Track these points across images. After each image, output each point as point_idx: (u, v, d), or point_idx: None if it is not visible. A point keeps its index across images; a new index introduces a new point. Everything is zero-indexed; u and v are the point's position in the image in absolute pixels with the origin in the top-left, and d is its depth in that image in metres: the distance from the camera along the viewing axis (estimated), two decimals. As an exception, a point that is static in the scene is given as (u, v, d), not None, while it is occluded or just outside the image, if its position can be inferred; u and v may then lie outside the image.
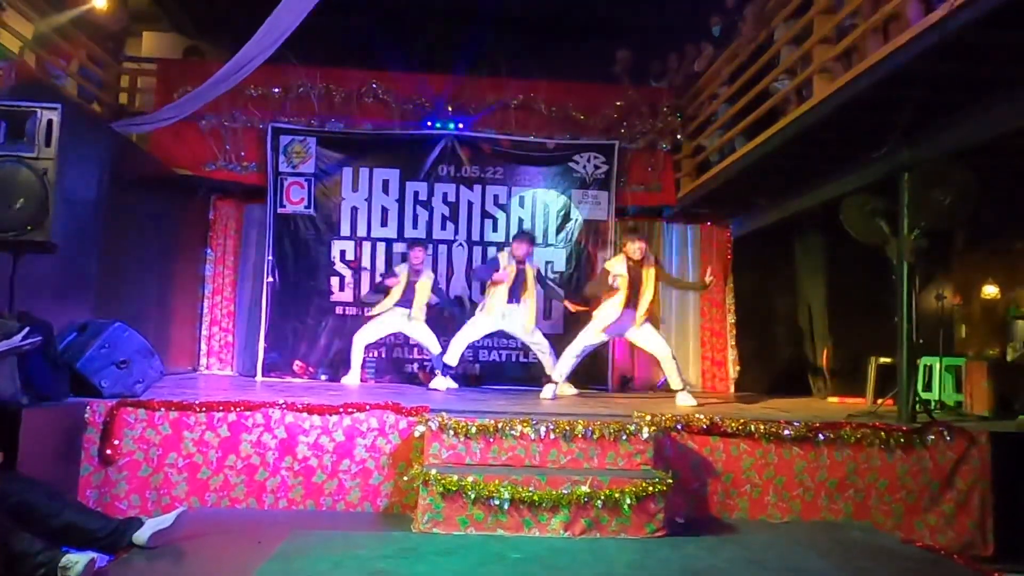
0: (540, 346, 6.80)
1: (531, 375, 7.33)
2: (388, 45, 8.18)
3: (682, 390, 6.12)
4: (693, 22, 8.23)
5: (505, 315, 6.70)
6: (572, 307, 6.83)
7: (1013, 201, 6.35)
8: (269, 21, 5.68)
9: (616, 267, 6.20)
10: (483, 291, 6.97)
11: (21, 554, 2.84)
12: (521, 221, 7.94)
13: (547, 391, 6.21)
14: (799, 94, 5.80)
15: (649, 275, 6.21)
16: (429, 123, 7.94)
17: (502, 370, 7.72)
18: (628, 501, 3.78)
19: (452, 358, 6.77)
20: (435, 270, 7.45)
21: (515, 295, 6.68)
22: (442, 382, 6.79)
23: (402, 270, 7.03)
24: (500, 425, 4.12)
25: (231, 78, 6.32)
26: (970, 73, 4.45)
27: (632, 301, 6.13)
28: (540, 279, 6.98)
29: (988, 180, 5.10)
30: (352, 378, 6.95)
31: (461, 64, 8.04)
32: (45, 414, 3.80)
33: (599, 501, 3.78)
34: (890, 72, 4.55)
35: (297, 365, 7.57)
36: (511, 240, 7.02)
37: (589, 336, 6.27)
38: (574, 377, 6.74)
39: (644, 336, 6.30)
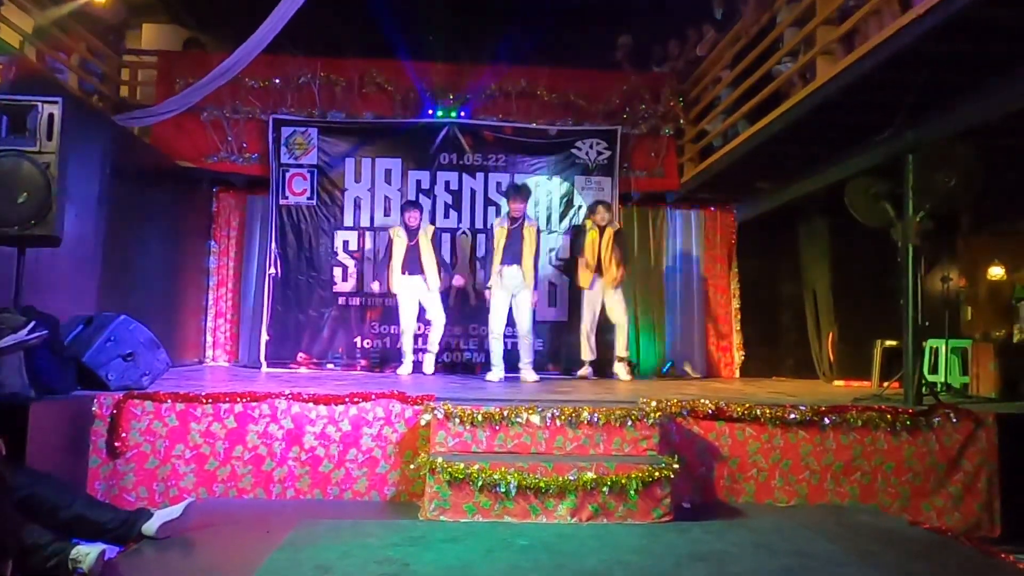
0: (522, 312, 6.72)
1: (538, 362, 7.32)
2: (388, 34, 8.15)
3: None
4: (695, 6, 8.17)
5: (503, 275, 6.65)
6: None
7: (1019, 182, 6.30)
8: (273, 14, 5.70)
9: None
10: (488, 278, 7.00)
11: (32, 547, 2.85)
12: (525, 212, 7.90)
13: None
14: (802, 77, 5.76)
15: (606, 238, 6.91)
16: (431, 111, 7.93)
17: (509, 358, 7.72)
18: (634, 487, 3.78)
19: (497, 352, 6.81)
20: (438, 261, 7.39)
21: (513, 255, 6.62)
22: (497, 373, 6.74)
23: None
24: (506, 412, 4.12)
25: (232, 70, 6.33)
26: (975, 53, 4.42)
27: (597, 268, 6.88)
28: (539, 243, 6.86)
29: (994, 161, 5.07)
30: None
31: (462, 52, 8.01)
32: (52, 407, 3.81)
33: (605, 487, 3.78)
34: (894, 53, 4.51)
35: (301, 356, 7.58)
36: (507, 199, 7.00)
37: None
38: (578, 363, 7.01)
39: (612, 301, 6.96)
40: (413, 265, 6.84)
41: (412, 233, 6.90)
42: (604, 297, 6.99)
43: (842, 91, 5.13)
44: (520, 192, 6.82)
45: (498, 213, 7.79)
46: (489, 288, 6.75)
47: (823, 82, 5.26)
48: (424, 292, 6.90)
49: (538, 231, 6.87)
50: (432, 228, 7.16)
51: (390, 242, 7.01)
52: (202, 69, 6.85)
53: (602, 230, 6.99)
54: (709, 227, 8.44)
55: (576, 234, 7.64)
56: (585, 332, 7.11)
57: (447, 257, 7.75)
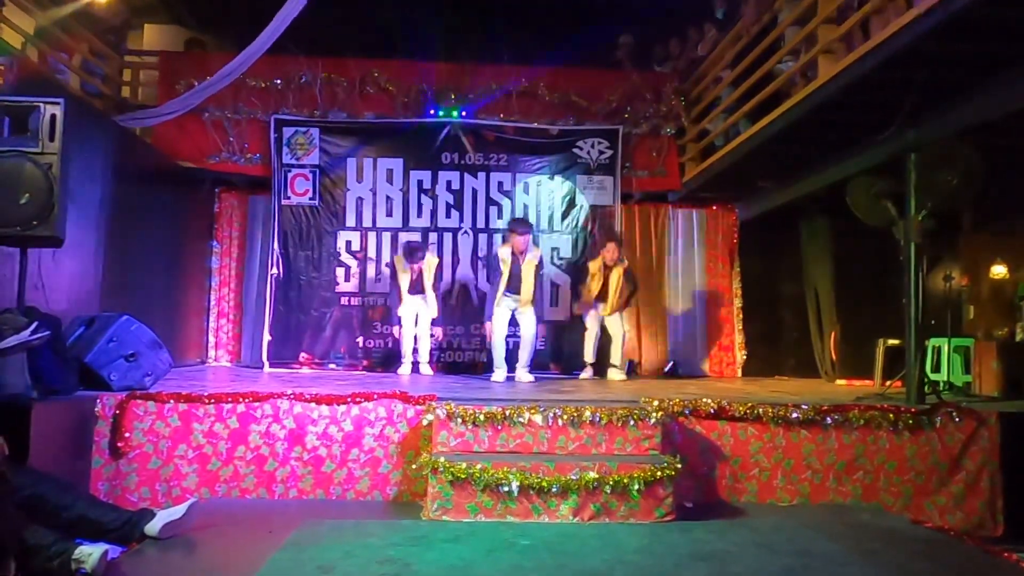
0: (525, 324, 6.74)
1: (539, 362, 7.33)
2: (389, 33, 8.16)
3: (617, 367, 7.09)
4: (696, 5, 8.17)
5: (505, 302, 6.70)
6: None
7: (1021, 181, 6.29)
8: (276, 17, 5.72)
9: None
10: (488, 278, 7.00)
11: (35, 547, 2.85)
12: (526, 207, 7.93)
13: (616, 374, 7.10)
14: (804, 76, 5.76)
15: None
16: (432, 111, 7.94)
17: (511, 358, 7.70)
18: (637, 486, 3.78)
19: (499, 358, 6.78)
20: (440, 258, 7.36)
21: (514, 286, 6.63)
22: (525, 375, 6.71)
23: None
24: (508, 412, 4.12)
25: (234, 73, 6.34)
26: (977, 52, 4.41)
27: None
28: (540, 274, 6.85)
29: (995, 160, 5.06)
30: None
31: (463, 51, 8.01)
32: (55, 408, 3.82)
33: (608, 487, 3.78)
34: (895, 52, 4.51)
35: (303, 356, 7.59)
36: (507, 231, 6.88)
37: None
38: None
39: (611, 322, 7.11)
40: (416, 289, 6.94)
41: (414, 269, 6.94)
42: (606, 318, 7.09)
43: (843, 90, 5.12)
44: (521, 225, 6.71)
45: (500, 213, 7.81)
46: (490, 321, 6.70)
47: (824, 81, 5.26)
48: (422, 307, 7.01)
49: (540, 262, 6.76)
50: (436, 261, 7.17)
51: (394, 270, 7.08)
52: (203, 69, 6.86)
53: (610, 268, 6.99)
54: (711, 226, 8.44)
55: (584, 264, 7.62)
56: (589, 337, 7.18)
57: (448, 257, 7.80)
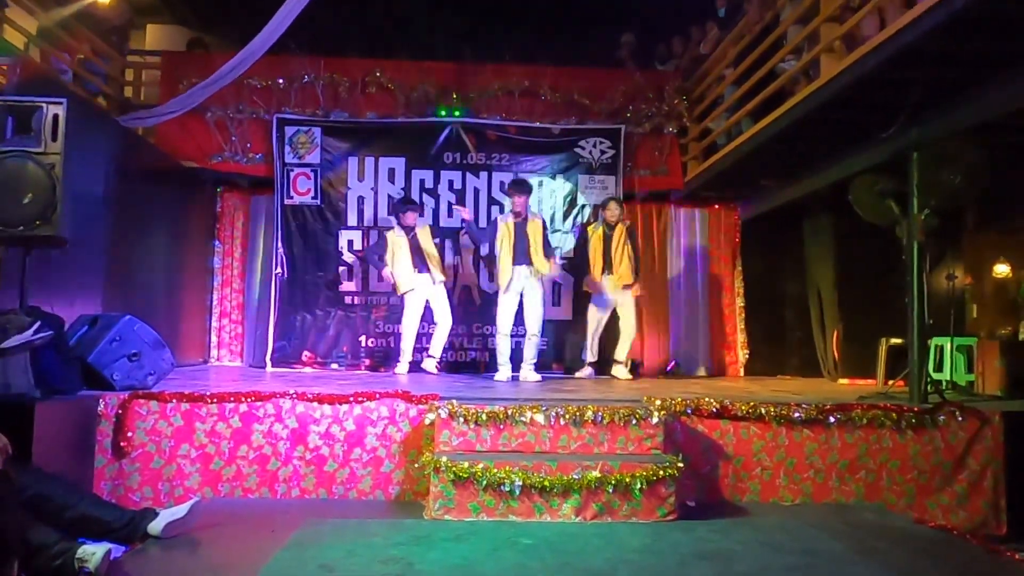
0: (532, 315, 6.59)
1: (542, 361, 7.31)
2: (392, 33, 8.17)
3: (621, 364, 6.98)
4: (698, 4, 8.17)
5: (514, 275, 6.53)
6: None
7: (1024, 179, 6.28)
8: (277, 14, 5.72)
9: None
10: (491, 277, 6.96)
11: (38, 546, 2.86)
12: (528, 207, 7.91)
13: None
14: (806, 74, 5.75)
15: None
16: (433, 110, 7.94)
17: (514, 357, 7.70)
18: (639, 485, 3.78)
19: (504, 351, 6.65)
20: (442, 258, 7.32)
21: (522, 253, 6.52)
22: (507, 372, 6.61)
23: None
24: (510, 411, 4.12)
25: (236, 70, 6.34)
26: (979, 50, 4.40)
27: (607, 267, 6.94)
28: (547, 235, 6.75)
29: (999, 158, 5.05)
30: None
31: (465, 51, 8.01)
32: (58, 407, 3.82)
33: (610, 486, 3.78)
34: (898, 50, 4.50)
35: (306, 355, 7.60)
36: (506, 192, 6.92)
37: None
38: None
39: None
40: (420, 263, 6.85)
41: (409, 231, 6.91)
42: (617, 302, 6.95)
43: (846, 88, 5.11)
44: (520, 187, 6.72)
45: (502, 211, 7.77)
46: (505, 290, 6.55)
47: (827, 80, 5.25)
48: (431, 289, 6.89)
49: (543, 223, 6.76)
50: (428, 227, 7.18)
51: (386, 245, 6.93)
52: (206, 69, 6.86)
53: (612, 227, 6.97)
54: (713, 225, 8.44)
55: (582, 233, 7.62)
56: (591, 335, 7.09)
57: (450, 257, 7.77)
